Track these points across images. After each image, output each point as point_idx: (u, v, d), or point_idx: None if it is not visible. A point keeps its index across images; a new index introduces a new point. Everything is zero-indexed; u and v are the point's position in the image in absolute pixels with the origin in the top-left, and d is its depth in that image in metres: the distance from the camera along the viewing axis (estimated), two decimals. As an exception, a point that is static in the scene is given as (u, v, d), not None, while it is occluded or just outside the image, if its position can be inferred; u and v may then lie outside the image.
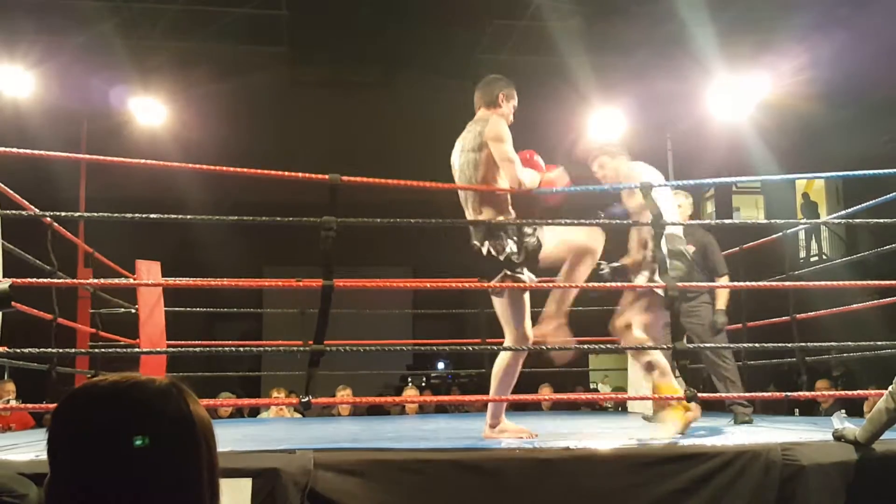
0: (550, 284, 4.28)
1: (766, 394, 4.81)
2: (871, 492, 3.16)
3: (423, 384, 13.38)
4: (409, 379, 12.87)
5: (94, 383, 1.10)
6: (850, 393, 5.42)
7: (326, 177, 3.92)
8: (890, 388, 3.24)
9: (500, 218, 3.93)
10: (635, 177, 4.44)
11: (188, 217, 4.26)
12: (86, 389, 1.10)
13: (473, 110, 4.28)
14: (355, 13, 9.69)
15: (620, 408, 8.80)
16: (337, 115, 11.29)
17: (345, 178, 3.95)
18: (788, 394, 4.72)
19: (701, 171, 12.10)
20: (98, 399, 1.07)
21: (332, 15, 9.76)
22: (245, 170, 4.30)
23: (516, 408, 8.50)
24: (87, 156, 6.38)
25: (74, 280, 6.17)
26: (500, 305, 4.05)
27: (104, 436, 1.03)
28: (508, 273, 3.83)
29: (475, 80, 4.43)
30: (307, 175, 4.11)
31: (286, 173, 4.18)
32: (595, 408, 9.39)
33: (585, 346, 5.34)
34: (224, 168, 4.31)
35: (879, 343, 5.20)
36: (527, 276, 3.88)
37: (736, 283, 5.15)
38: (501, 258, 3.83)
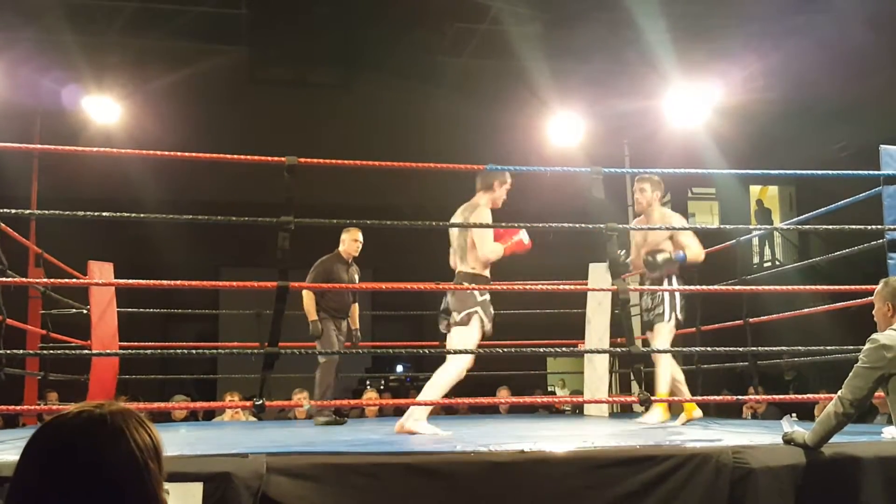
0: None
1: (702, 398, 4.89)
2: (820, 494, 3.21)
3: (382, 387, 13.31)
4: (368, 382, 12.82)
5: (49, 424, 1.27)
6: (800, 397, 5.51)
7: (283, 159, 3.92)
8: (839, 392, 3.29)
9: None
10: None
11: (141, 216, 4.20)
12: (40, 432, 1.27)
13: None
14: (315, 14, 9.62)
15: (578, 411, 8.86)
16: (296, 115, 11.22)
17: (302, 159, 3.95)
18: (739, 398, 4.79)
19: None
20: (46, 441, 1.25)
21: (291, 15, 9.69)
22: (200, 154, 4.26)
23: (474, 410, 8.51)
24: (39, 146, 6.26)
25: (24, 279, 6.03)
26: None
27: (46, 475, 1.21)
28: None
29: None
30: (264, 158, 4.10)
31: (242, 157, 4.17)
32: (552, 411, 9.44)
33: (542, 350, 5.37)
34: (178, 154, 4.26)
35: (829, 348, 5.29)
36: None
37: (689, 287, 5.22)
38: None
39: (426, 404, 4.55)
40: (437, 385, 4.56)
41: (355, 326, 6.60)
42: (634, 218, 5.51)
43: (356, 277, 6.52)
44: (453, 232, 4.94)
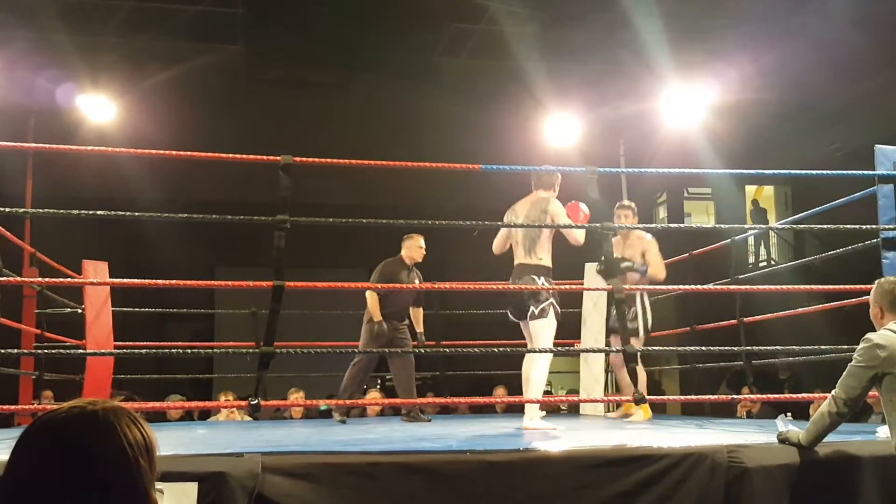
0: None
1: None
2: (814, 494, 3.22)
3: (378, 386, 13.30)
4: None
5: (41, 419, 1.29)
6: (795, 396, 5.52)
7: (278, 158, 3.93)
8: (833, 391, 3.30)
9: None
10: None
11: (136, 214, 4.20)
12: (31, 427, 1.29)
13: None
14: (313, 14, 9.62)
15: (574, 410, 8.85)
16: (294, 115, 11.20)
17: (297, 158, 3.96)
18: (735, 397, 4.79)
19: (653, 177, 12.25)
20: (37, 436, 1.27)
21: (289, 14, 9.68)
22: (195, 154, 4.25)
23: (471, 409, 8.50)
24: (33, 144, 6.25)
25: (19, 279, 6.02)
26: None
27: (38, 471, 1.23)
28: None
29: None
30: (259, 157, 4.11)
31: (238, 156, 4.16)
32: (548, 410, 9.43)
33: (538, 349, 5.36)
34: (174, 153, 4.26)
35: (823, 347, 5.30)
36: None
37: (684, 287, 5.23)
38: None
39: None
40: (537, 380, 4.73)
41: (420, 330, 6.66)
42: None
43: (417, 282, 6.57)
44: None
